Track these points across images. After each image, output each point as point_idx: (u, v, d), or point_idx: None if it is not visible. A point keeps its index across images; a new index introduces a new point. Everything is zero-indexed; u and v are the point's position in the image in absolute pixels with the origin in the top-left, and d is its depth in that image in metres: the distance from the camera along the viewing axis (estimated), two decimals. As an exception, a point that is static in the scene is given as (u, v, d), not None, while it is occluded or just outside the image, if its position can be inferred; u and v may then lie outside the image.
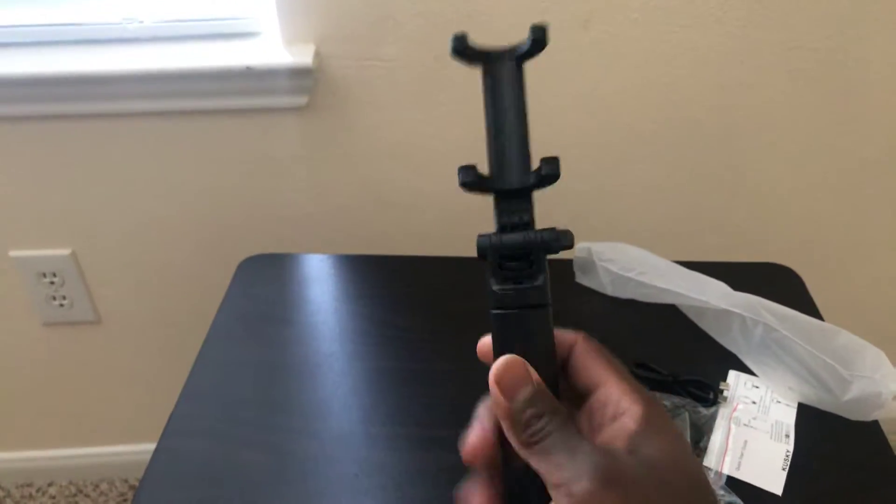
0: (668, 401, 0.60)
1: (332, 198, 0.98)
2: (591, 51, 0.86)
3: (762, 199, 0.99)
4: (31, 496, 1.29)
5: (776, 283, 0.75)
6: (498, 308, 0.29)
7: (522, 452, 0.27)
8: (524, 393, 0.27)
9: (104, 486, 1.30)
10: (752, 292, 0.66)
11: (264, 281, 0.75)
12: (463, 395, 0.62)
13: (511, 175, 0.30)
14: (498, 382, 0.28)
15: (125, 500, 1.29)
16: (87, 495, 1.29)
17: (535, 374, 0.28)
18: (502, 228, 0.30)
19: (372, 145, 0.93)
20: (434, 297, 0.73)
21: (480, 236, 0.30)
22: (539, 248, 0.29)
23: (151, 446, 1.26)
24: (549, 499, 0.27)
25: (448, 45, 0.30)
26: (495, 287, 0.29)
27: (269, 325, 0.70)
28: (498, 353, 0.29)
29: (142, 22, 0.89)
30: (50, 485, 1.31)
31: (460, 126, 0.92)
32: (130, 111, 0.90)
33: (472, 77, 0.98)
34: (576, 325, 0.31)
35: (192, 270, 1.04)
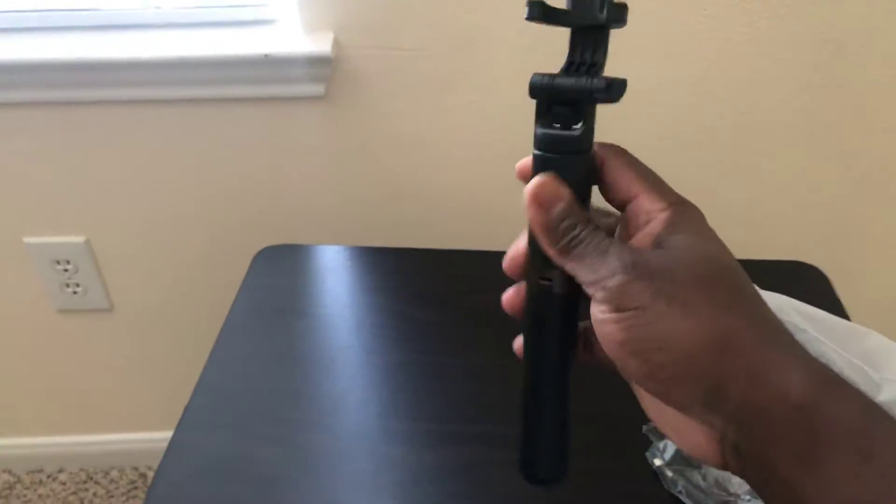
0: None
1: (349, 188, 0.97)
2: (612, 44, 0.85)
3: (786, 195, 0.97)
4: (41, 482, 1.30)
5: (801, 281, 0.73)
6: (537, 149, 0.30)
7: (559, 260, 0.29)
8: (559, 206, 0.29)
9: (114, 474, 1.30)
10: (777, 291, 0.64)
11: (280, 272, 0.75)
12: (480, 390, 0.61)
13: (584, 8, 0.29)
14: (535, 197, 0.29)
15: (135, 488, 1.29)
16: (97, 482, 1.30)
17: (567, 190, 0.29)
18: (567, 66, 0.30)
19: (389, 136, 0.92)
20: (452, 290, 0.72)
21: (535, 74, 0.30)
22: (582, 94, 0.29)
23: (163, 434, 1.26)
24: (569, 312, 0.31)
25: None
26: (537, 129, 0.30)
27: (284, 317, 0.69)
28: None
29: (160, 8, 0.88)
30: (60, 471, 1.31)
31: (479, 117, 0.90)
32: (147, 98, 0.90)
33: (492, 67, 0.97)
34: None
35: (207, 260, 1.04)
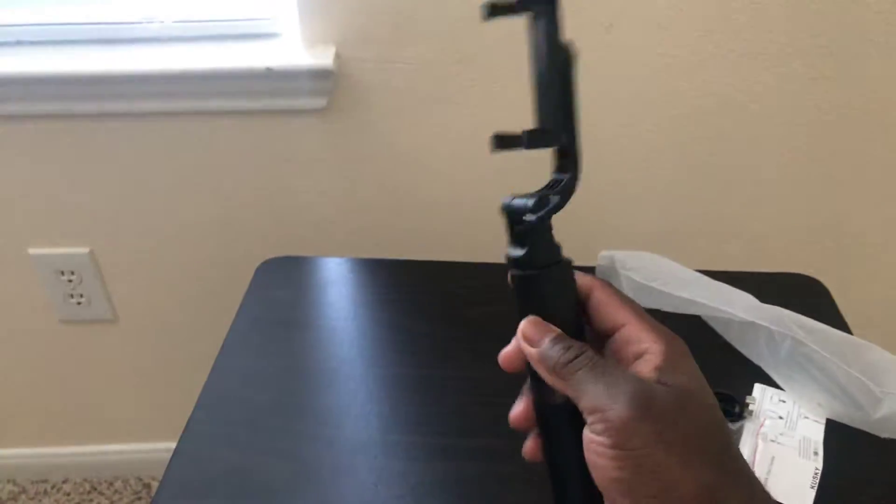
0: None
1: (351, 201, 0.97)
2: (613, 55, 0.85)
3: (786, 206, 0.97)
4: (45, 492, 1.30)
5: (802, 294, 0.73)
6: (509, 269, 0.31)
7: (560, 385, 0.29)
8: (549, 336, 0.30)
9: (118, 484, 1.31)
10: (778, 304, 0.64)
11: (282, 284, 0.75)
12: (481, 403, 0.61)
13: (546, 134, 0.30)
14: (523, 336, 0.31)
15: (139, 499, 1.29)
16: (101, 493, 1.30)
17: (553, 327, 0.31)
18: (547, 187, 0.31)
19: (391, 148, 0.93)
20: (453, 302, 0.72)
21: (510, 196, 0.31)
22: (513, 215, 0.30)
23: (166, 445, 1.26)
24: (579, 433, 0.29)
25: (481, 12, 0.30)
26: (507, 249, 0.31)
27: (286, 330, 0.69)
28: (518, 313, 0.32)
29: (162, 22, 0.89)
30: (65, 481, 1.31)
31: (481, 130, 0.91)
32: (150, 111, 0.90)
33: (493, 81, 0.97)
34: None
35: (210, 271, 1.04)
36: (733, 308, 0.62)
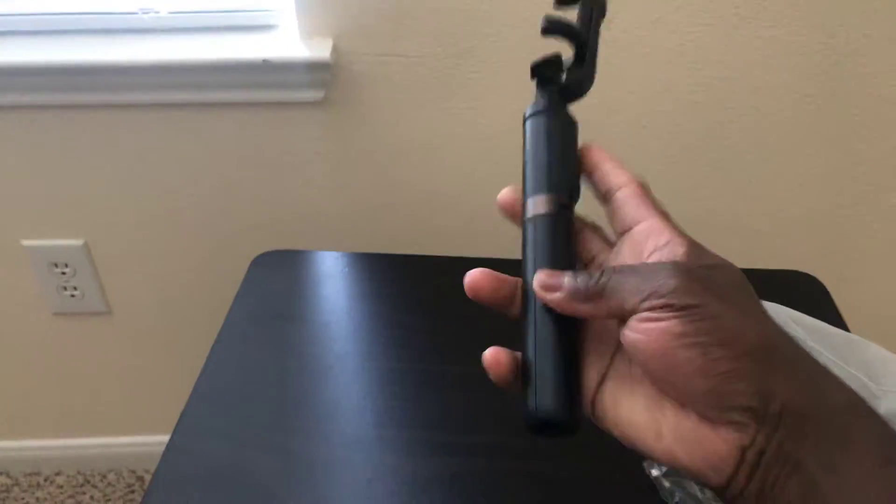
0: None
1: (347, 194, 0.97)
2: (610, 51, 0.85)
3: (782, 203, 0.97)
4: (38, 485, 1.30)
5: (799, 291, 0.73)
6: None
7: (599, 307, 0.30)
8: (567, 275, 0.31)
9: (112, 477, 1.30)
10: (775, 301, 0.64)
11: (277, 278, 0.74)
12: (477, 400, 0.61)
13: None
14: (543, 287, 0.31)
15: (132, 492, 1.29)
16: (94, 486, 1.29)
17: (564, 271, 0.31)
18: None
19: (388, 142, 0.92)
20: (449, 298, 0.71)
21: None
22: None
23: (159, 438, 1.25)
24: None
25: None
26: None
27: (281, 324, 0.69)
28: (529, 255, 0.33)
29: (158, 12, 0.88)
30: (58, 474, 1.31)
31: (478, 124, 0.90)
32: (145, 102, 0.89)
33: (492, 75, 0.97)
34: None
35: (205, 264, 1.04)
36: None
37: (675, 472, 0.55)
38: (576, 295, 0.30)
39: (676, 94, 0.88)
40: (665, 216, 0.32)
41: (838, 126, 0.90)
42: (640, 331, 0.28)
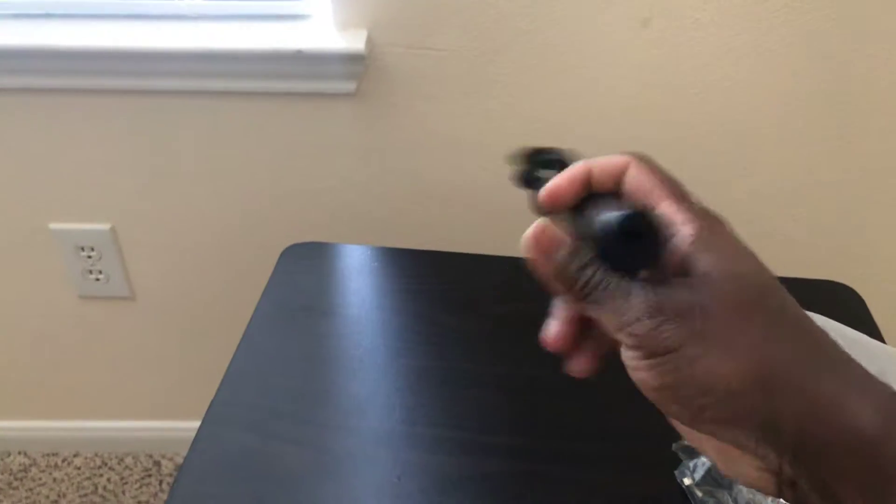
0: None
1: (377, 187, 0.96)
2: (650, 50, 0.84)
3: (817, 210, 0.96)
4: (56, 466, 1.31)
5: (835, 302, 0.72)
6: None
7: (579, 307, 0.28)
8: (562, 250, 0.27)
9: (129, 461, 1.31)
10: (811, 311, 0.63)
11: (306, 270, 0.74)
12: (505, 400, 0.61)
13: None
14: (536, 240, 0.28)
15: (149, 475, 1.29)
16: (111, 468, 1.30)
17: (567, 237, 0.28)
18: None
19: (419, 136, 0.92)
20: (479, 296, 0.71)
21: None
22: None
23: (177, 424, 1.26)
24: None
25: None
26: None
27: (310, 316, 0.69)
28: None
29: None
30: (76, 455, 1.32)
31: (510, 120, 0.90)
32: (177, 89, 0.89)
33: (524, 72, 0.96)
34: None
35: (230, 254, 1.04)
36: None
37: (708, 481, 0.54)
38: (558, 277, 0.27)
39: (715, 95, 0.87)
40: (675, 194, 0.28)
41: (880, 129, 0.88)
42: (631, 376, 0.27)
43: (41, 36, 0.85)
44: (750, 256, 0.27)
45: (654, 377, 0.25)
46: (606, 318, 0.27)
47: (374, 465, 0.56)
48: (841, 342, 0.56)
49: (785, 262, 1.01)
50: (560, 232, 0.28)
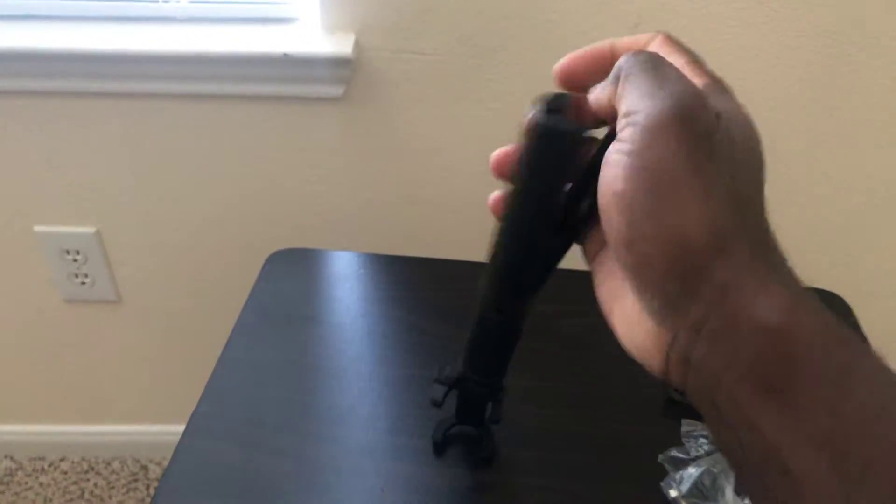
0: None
1: (365, 192, 0.96)
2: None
3: (803, 217, 0.95)
4: (42, 470, 1.30)
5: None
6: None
7: (612, 103, 0.26)
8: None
9: (116, 465, 1.30)
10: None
11: (292, 277, 0.73)
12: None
13: None
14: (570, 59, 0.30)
15: (136, 480, 1.28)
16: (98, 472, 1.29)
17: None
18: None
19: (407, 141, 0.91)
20: (467, 304, 0.70)
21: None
22: None
23: (164, 428, 1.25)
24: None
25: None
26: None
27: (294, 324, 0.68)
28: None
29: (179, 1, 0.87)
30: (62, 460, 1.31)
31: (500, 126, 0.89)
32: (163, 92, 0.88)
33: (512, 78, 0.95)
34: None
35: (216, 258, 1.03)
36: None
37: (695, 493, 0.54)
38: (616, 68, 0.26)
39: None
40: (694, 61, 0.28)
41: (866, 136, 0.88)
42: (603, 172, 0.25)
43: (24, 38, 0.84)
44: (751, 120, 0.27)
45: (624, 179, 0.24)
46: (623, 102, 0.25)
47: (357, 476, 0.55)
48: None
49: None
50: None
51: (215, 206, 0.98)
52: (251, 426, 0.59)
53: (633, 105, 0.25)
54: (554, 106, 0.29)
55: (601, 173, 0.25)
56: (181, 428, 0.57)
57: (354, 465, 0.56)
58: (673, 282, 0.24)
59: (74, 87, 0.88)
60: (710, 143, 0.24)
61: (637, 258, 0.24)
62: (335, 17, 0.83)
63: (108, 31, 0.85)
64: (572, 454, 0.57)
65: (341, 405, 0.61)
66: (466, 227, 0.98)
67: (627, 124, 0.24)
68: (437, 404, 0.50)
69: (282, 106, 0.89)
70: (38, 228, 1.01)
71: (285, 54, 0.82)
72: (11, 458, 1.31)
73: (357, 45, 0.83)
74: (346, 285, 0.73)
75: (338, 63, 0.83)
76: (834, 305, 0.74)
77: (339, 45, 0.82)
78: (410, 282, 0.74)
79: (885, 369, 0.22)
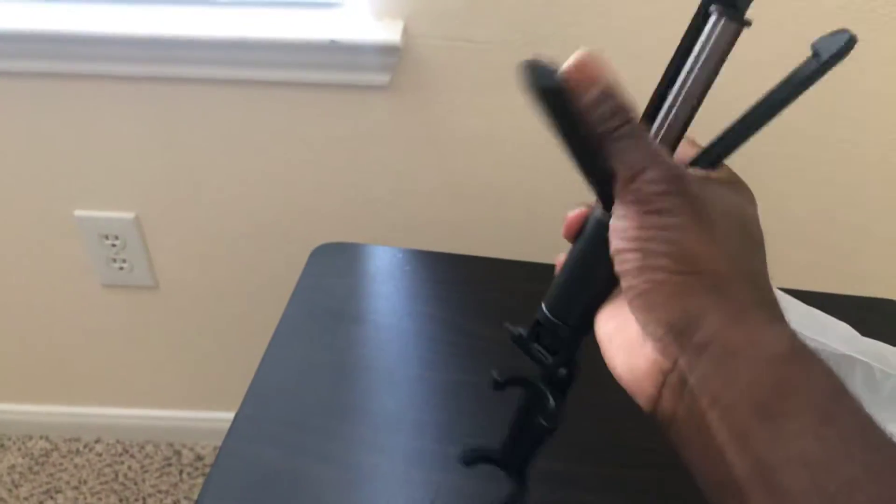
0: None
1: (409, 184, 0.93)
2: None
3: (859, 221, 0.91)
4: (77, 451, 1.30)
5: (886, 322, 0.68)
6: None
7: (605, 143, 0.28)
8: (601, 85, 0.28)
9: (149, 448, 1.30)
10: (877, 336, 0.59)
11: (336, 273, 0.71)
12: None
13: None
14: (582, 64, 0.29)
15: (169, 464, 1.29)
16: (132, 455, 1.30)
17: (609, 73, 0.28)
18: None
19: (454, 131, 0.88)
20: (517, 306, 0.67)
21: None
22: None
23: (198, 414, 1.25)
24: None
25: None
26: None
27: (340, 323, 0.66)
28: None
29: (224, -16, 0.84)
30: (97, 441, 1.31)
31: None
32: (204, 77, 0.86)
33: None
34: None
35: (256, 246, 1.01)
36: (827, 338, 0.57)
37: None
38: (594, 104, 0.28)
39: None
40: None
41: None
42: (616, 218, 0.28)
43: (67, 21, 0.82)
44: (749, 191, 0.31)
45: (637, 224, 0.27)
46: (621, 167, 0.28)
47: (406, 486, 0.53)
48: (794, 314, 0.53)
49: (836, 276, 0.96)
50: (604, 63, 0.29)
51: (255, 194, 0.96)
52: (295, 430, 0.57)
53: (635, 167, 0.28)
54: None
55: (613, 227, 0.29)
56: (215, 414, 0.56)
57: (401, 474, 0.54)
58: (679, 309, 0.27)
59: (116, 70, 0.86)
60: (706, 206, 0.28)
61: (648, 285, 0.27)
62: (383, 2, 0.80)
63: (150, 14, 0.83)
64: (633, 471, 0.54)
65: (387, 410, 0.59)
66: (516, 225, 0.95)
67: (630, 192, 0.28)
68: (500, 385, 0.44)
69: (325, 93, 0.86)
70: (77, 213, 1.00)
71: (332, 41, 0.79)
72: (47, 439, 1.32)
73: (405, 31, 0.80)
74: (391, 282, 0.71)
75: (386, 51, 0.80)
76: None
77: (387, 32, 0.79)
78: (456, 280, 0.71)
79: (857, 399, 0.25)
